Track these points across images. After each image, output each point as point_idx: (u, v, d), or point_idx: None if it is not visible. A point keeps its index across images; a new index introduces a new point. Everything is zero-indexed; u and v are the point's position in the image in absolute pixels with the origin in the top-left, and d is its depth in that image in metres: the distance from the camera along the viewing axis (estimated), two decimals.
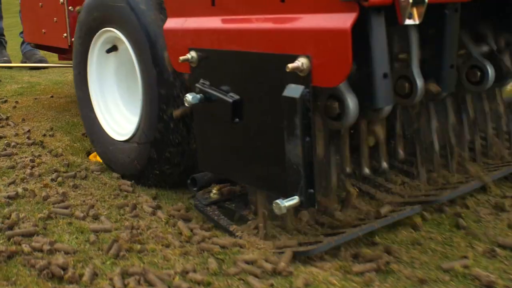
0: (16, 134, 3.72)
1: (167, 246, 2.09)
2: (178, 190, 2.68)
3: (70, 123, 4.02)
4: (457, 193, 2.30)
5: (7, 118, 4.12)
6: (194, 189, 2.31)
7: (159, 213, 2.40)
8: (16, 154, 3.31)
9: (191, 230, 2.20)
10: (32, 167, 3.05)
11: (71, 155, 3.29)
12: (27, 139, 3.61)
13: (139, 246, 2.07)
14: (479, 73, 2.33)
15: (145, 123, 2.55)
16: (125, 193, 2.66)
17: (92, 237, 2.16)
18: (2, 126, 3.94)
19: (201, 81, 2.06)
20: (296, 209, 1.90)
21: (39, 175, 2.91)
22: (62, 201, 2.55)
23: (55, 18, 3.82)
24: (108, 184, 2.79)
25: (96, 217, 2.38)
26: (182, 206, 2.45)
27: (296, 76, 1.68)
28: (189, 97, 2.03)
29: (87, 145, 3.51)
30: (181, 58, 2.08)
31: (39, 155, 3.26)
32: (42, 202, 2.55)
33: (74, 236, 2.20)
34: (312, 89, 1.68)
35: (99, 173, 2.96)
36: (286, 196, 1.77)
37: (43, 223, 2.30)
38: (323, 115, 1.84)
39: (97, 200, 2.58)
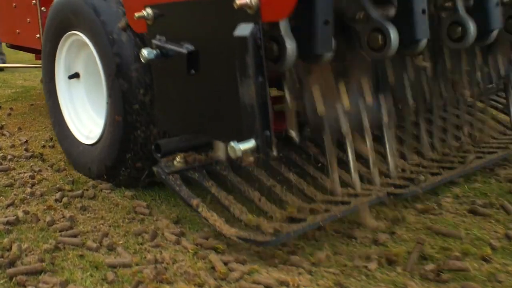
0: (13, 146, 3.37)
1: (200, 286, 1.76)
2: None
3: None
4: (429, 186, 2.31)
5: (1, 127, 3.77)
6: (158, 155, 2.20)
7: (184, 241, 2.07)
8: (14, 169, 2.96)
9: (226, 264, 1.88)
10: (33, 184, 2.71)
11: (73, 170, 2.96)
12: (25, 151, 3.26)
13: (167, 287, 1.75)
14: (460, 29, 2.23)
15: (110, 124, 2.54)
16: (141, 216, 2.33)
17: (110, 274, 1.83)
18: None
19: (158, 37, 2.05)
20: (254, 155, 1.81)
21: (41, 195, 2.57)
22: (70, 227, 2.22)
23: (28, 19, 3.81)
24: (121, 205, 2.46)
25: (111, 248, 2.05)
26: (209, 233, 2.12)
27: (245, 14, 1.71)
28: (144, 52, 2.01)
29: None
30: (137, 14, 2.09)
31: (40, 170, 2.92)
32: (47, 228, 2.22)
33: (88, 274, 1.87)
34: (262, 27, 1.70)
35: (108, 191, 2.63)
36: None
37: (50, 256, 1.97)
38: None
39: (110, 226, 2.25)
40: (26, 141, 3.45)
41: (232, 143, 1.73)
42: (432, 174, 2.40)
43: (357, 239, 2.06)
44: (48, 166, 3.00)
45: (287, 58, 1.79)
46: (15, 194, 2.58)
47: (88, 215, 2.36)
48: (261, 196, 2.10)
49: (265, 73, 1.73)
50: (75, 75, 2.94)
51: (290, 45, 1.79)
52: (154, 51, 2.01)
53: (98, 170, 2.68)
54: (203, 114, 1.98)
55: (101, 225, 2.25)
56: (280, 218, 1.99)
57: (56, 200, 2.51)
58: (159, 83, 2.16)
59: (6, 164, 3.02)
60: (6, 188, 2.67)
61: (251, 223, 1.95)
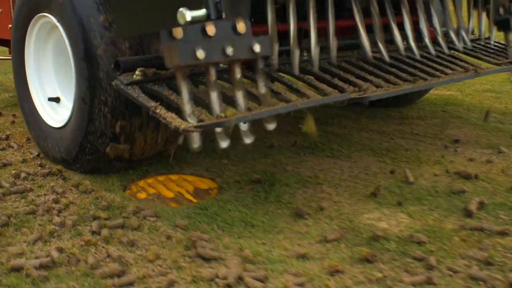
0: (24, 160, 2.89)
1: None
2: (277, 246, 1.94)
3: None
4: (386, 94, 2.42)
5: (7, 138, 3.28)
6: (117, 73, 2.21)
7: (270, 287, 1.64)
8: (31, 190, 2.49)
9: None
10: (59, 211, 2.25)
11: (104, 191, 2.49)
12: (40, 168, 2.78)
13: None
14: None
15: (78, 108, 2.52)
16: (204, 250, 1.89)
17: None
18: (3, 149, 3.10)
19: None
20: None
21: (73, 225, 2.11)
22: (122, 271, 1.76)
23: (0, 9, 3.70)
24: (175, 238, 2.01)
25: None
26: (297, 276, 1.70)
27: None
28: None
29: (119, 171, 2.72)
30: None
31: (63, 192, 2.45)
32: (91, 273, 1.76)
33: None
34: None
35: (153, 218, 2.18)
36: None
37: None
38: None
39: (170, 268, 1.80)
40: (39, 155, 2.97)
41: (182, 9, 1.70)
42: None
43: None
44: (72, 186, 2.53)
45: None
46: (40, 225, 2.12)
47: (138, 252, 1.91)
48: (223, 103, 2.09)
49: None
50: (56, 99, 2.89)
51: None
52: None
53: (66, 154, 2.69)
54: (154, 5, 1.93)
55: (159, 268, 1.80)
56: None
57: (93, 233, 2.05)
58: None
59: (21, 184, 2.54)
60: (28, 217, 2.20)
61: (209, 120, 1.97)
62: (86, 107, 2.48)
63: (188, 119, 1.95)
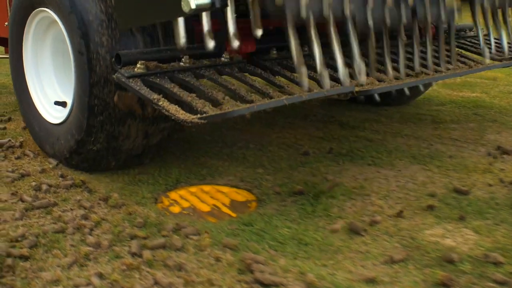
0: (43, 170, 2.67)
1: None
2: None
3: None
4: (390, 88, 2.42)
5: (21, 145, 3.05)
6: (118, 66, 2.19)
7: None
8: (56, 204, 2.28)
9: None
10: (91, 229, 2.04)
11: (135, 204, 2.29)
12: (61, 179, 2.57)
13: None
14: None
15: (78, 104, 2.47)
16: (263, 275, 1.69)
17: None
18: (19, 157, 2.88)
19: None
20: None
21: (110, 245, 1.90)
22: None
23: None
24: (225, 260, 1.81)
25: None
26: None
27: None
28: None
29: (147, 181, 2.51)
30: None
31: (91, 207, 2.24)
32: None
33: None
34: None
35: (196, 237, 1.98)
36: None
37: None
38: None
39: None
40: (58, 164, 2.75)
41: None
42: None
43: None
44: (100, 199, 2.32)
45: None
46: (72, 245, 1.91)
47: (187, 277, 1.70)
48: (225, 96, 2.10)
49: None
50: (62, 104, 2.76)
51: None
52: None
53: (65, 150, 2.63)
54: None
55: None
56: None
57: (133, 255, 1.84)
58: None
59: (43, 198, 2.33)
60: (58, 236, 1.99)
61: (213, 111, 1.96)
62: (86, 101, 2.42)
63: (190, 115, 1.94)
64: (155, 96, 2.06)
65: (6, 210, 2.21)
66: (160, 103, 2.03)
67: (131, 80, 2.13)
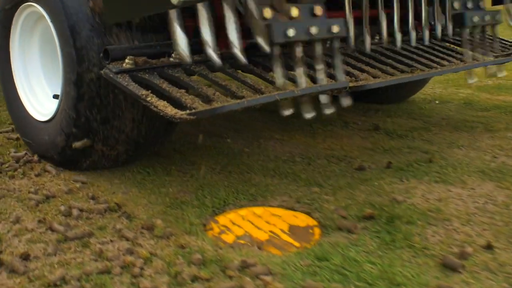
0: (70, 191, 2.34)
1: None
2: None
3: (143, 164, 2.66)
4: (385, 83, 2.42)
5: (39, 159, 2.71)
6: (106, 62, 2.14)
7: None
8: (92, 234, 1.95)
9: None
10: (141, 268, 1.71)
11: (185, 233, 1.97)
12: (92, 201, 2.24)
13: None
14: None
15: (66, 100, 2.40)
16: None
17: None
18: (39, 175, 2.54)
19: None
20: None
21: None
22: None
23: None
24: None
25: None
26: None
27: None
28: None
29: (191, 203, 2.20)
30: None
31: (135, 238, 1.92)
32: None
33: None
34: None
35: (269, 277, 1.67)
36: None
37: None
38: None
39: None
40: (86, 183, 2.42)
41: None
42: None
43: None
44: (143, 228, 2.00)
45: None
46: None
47: None
48: (215, 91, 2.05)
49: None
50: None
51: None
52: None
53: (53, 148, 2.55)
54: None
55: None
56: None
57: None
58: None
59: (76, 226, 2.00)
60: (104, 278, 1.66)
61: (203, 107, 1.93)
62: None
63: (180, 111, 1.89)
64: (143, 92, 2.02)
65: (36, 243, 1.88)
66: (149, 99, 1.99)
67: (119, 75, 2.08)
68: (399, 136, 3.17)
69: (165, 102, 1.97)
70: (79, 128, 2.38)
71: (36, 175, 2.51)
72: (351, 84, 2.31)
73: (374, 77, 2.47)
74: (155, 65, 2.17)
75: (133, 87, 2.04)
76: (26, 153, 2.74)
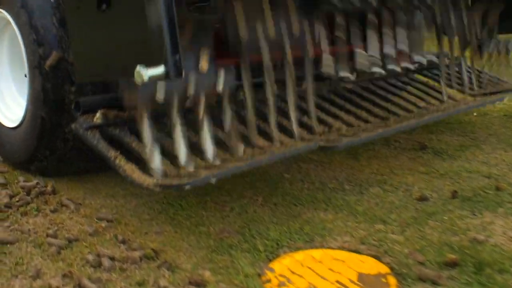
0: (96, 232, 2.00)
1: None
2: None
3: (173, 195, 2.32)
4: (358, 141, 2.29)
5: (53, 190, 2.36)
6: (78, 114, 2.08)
7: None
8: None
9: None
10: None
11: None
12: (122, 245, 1.90)
13: None
14: None
15: (32, 105, 2.39)
16: None
17: None
18: (55, 210, 2.19)
19: None
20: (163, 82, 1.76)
21: None
22: None
23: None
24: None
25: None
26: None
27: None
28: None
29: (239, 246, 1.87)
30: None
31: None
32: None
33: None
34: None
35: None
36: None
37: None
38: None
39: None
40: (112, 221, 2.09)
41: (139, 68, 1.63)
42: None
43: None
44: (191, 283, 1.66)
45: None
46: None
47: None
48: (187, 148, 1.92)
49: None
50: None
51: None
52: None
53: (22, 155, 2.52)
54: (116, 52, 1.84)
55: None
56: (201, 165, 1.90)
57: None
58: (72, 29, 2.00)
59: (109, 280, 1.66)
60: None
61: (171, 173, 1.83)
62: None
63: (152, 171, 1.80)
64: (112, 153, 1.94)
65: None
66: (117, 161, 1.91)
67: (89, 132, 2.03)
68: (450, 156, 2.86)
69: (133, 166, 1.86)
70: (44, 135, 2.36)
71: (52, 211, 2.17)
72: (321, 144, 2.19)
73: (348, 125, 2.38)
74: (127, 118, 2.06)
75: (102, 147, 1.98)
76: (37, 183, 2.40)
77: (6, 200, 2.24)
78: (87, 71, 2.02)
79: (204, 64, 1.91)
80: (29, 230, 2.01)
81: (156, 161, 1.81)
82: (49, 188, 2.35)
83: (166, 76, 1.65)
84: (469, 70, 3.17)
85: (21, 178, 2.49)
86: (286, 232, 2.03)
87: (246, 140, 2.08)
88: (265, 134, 2.16)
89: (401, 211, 2.21)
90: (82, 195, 2.34)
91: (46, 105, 2.31)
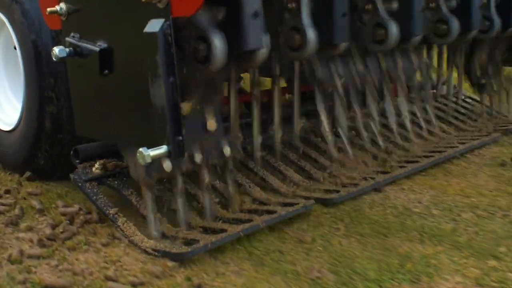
0: (163, 274, 1.66)
1: None
2: None
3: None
4: (357, 192, 2.26)
5: (100, 218, 2.03)
6: (77, 161, 2.09)
7: None
8: None
9: None
10: None
11: None
12: None
13: None
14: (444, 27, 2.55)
15: (28, 109, 2.39)
16: None
17: None
18: (107, 244, 1.84)
19: (72, 34, 1.90)
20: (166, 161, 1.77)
21: None
22: None
23: None
24: None
25: None
26: None
27: (156, 10, 1.62)
28: (55, 50, 1.85)
29: None
30: (49, 9, 1.93)
31: None
32: None
33: None
34: (172, 22, 1.62)
35: None
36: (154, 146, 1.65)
37: None
38: (192, 60, 1.77)
39: None
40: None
41: (142, 149, 1.61)
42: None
43: None
44: None
45: (216, 56, 1.72)
46: None
47: None
48: (184, 205, 1.93)
49: (176, 73, 1.63)
50: None
51: (219, 41, 1.72)
52: (67, 49, 1.86)
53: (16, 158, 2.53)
54: (117, 117, 1.84)
55: None
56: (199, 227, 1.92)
57: None
58: (73, 84, 1.99)
59: None
60: None
61: (169, 233, 1.86)
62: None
63: (146, 241, 1.81)
64: (112, 211, 1.95)
65: None
66: (117, 220, 1.92)
67: (88, 184, 2.02)
68: None
69: (133, 227, 1.88)
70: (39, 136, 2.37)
71: (104, 245, 1.85)
72: (315, 195, 2.20)
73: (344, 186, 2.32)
74: (125, 168, 2.04)
75: (101, 202, 1.97)
76: (80, 208, 2.08)
77: (48, 231, 1.92)
78: (86, 128, 2.02)
79: (211, 124, 1.90)
80: (82, 270, 1.68)
81: (156, 227, 1.83)
82: (94, 216, 2.03)
83: (168, 155, 1.65)
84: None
85: (59, 203, 2.17)
86: (386, 270, 1.72)
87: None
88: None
89: (509, 243, 1.90)
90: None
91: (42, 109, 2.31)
